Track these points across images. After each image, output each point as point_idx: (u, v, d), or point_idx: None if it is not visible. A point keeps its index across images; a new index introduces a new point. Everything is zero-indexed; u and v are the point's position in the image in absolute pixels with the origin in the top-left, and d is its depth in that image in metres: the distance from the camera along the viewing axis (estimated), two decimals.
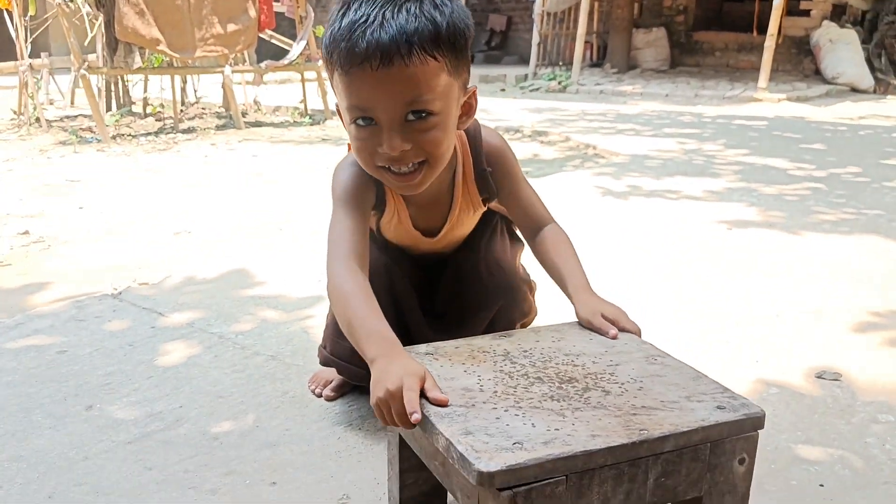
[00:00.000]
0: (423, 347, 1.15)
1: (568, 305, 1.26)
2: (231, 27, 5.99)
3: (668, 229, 2.96)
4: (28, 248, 2.72)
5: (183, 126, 6.07)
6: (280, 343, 1.86)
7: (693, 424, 0.93)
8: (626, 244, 2.74)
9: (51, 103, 7.04)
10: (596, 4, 10.99)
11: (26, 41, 5.74)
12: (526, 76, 10.93)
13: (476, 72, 10.03)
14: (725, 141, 5.51)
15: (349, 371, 1.48)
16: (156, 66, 6.12)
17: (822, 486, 1.29)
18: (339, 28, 1.08)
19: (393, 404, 0.97)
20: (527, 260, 1.53)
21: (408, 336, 1.40)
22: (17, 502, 1.24)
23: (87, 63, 5.48)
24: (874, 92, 9.48)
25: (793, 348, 1.85)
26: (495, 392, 1.01)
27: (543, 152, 5.14)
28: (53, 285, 2.31)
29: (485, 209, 1.42)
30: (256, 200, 3.56)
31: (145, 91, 6.68)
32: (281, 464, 1.35)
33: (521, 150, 5.17)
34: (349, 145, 1.30)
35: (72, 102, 6.88)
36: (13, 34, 5.79)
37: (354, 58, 1.06)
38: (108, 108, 6.46)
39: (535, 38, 11.10)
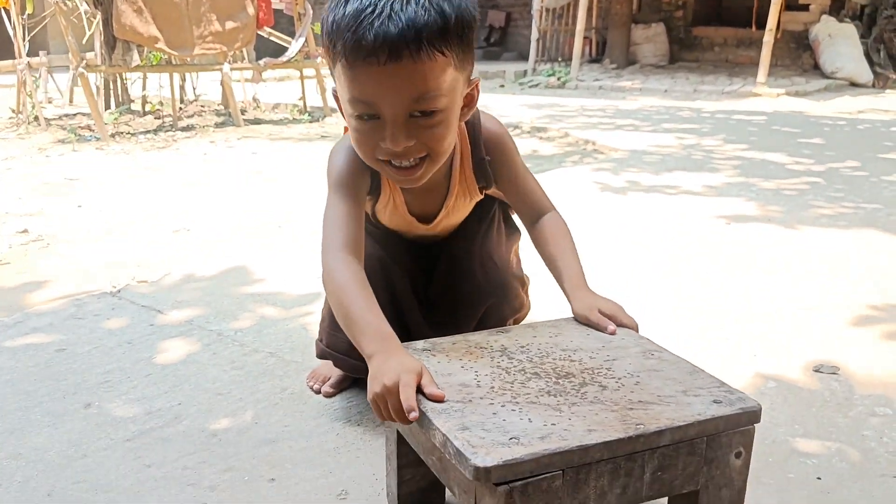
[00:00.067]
0: (420, 343, 1.15)
1: (563, 298, 1.26)
2: (229, 24, 5.99)
3: (666, 224, 2.96)
4: (27, 247, 2.72)
5: (182, 124, 6.06)
6: (279, 340, 1.86)
7: (689, 419, 0.94)
8: (625, 240, 2.74)
9: (49, 102, 7.04)
10: (595, 0, 10.97)
11: (24, 39, 5.73)
12: (525, 72, 10.93)
13: (475, 68, 10.02)
14: (724, 136, 5.51)
15: (346, 364, 1.48)
16: (154, 63, 6.12)
17: (819, 479, 1.29)
18: (344, 16, 1.03)
19: (390, 400, 0.97)
20: (524, 248, 1.52)
21: (407, 335, 1.39)
22: (16, 500, 1.24)
23: (85, 61, 5.48)
24: (873, 86, 9.48)
25: (791, 343, 1.85)
26: (492, 388, 1.01)
27: (542, 148, 5.14)
28: (52, 283, 2.31)
29: (482, 197, 1.41)
30: (256, 198, 3.56)
31: (144, 89, 6.67)
32: (280, 460, 1.35)
33: (521, 146, 5.10)
34: (346, 127, 1.27)
35: (70, 101, 6.88)
36: (11, 32, 5.77)
37: (360, 51, 1.02)
38: (107, 107, 6.46)
39: (534, 34, 11.10)
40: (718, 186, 3.70)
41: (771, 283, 2.27)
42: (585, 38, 10.68)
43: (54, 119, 6.20)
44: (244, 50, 6.45)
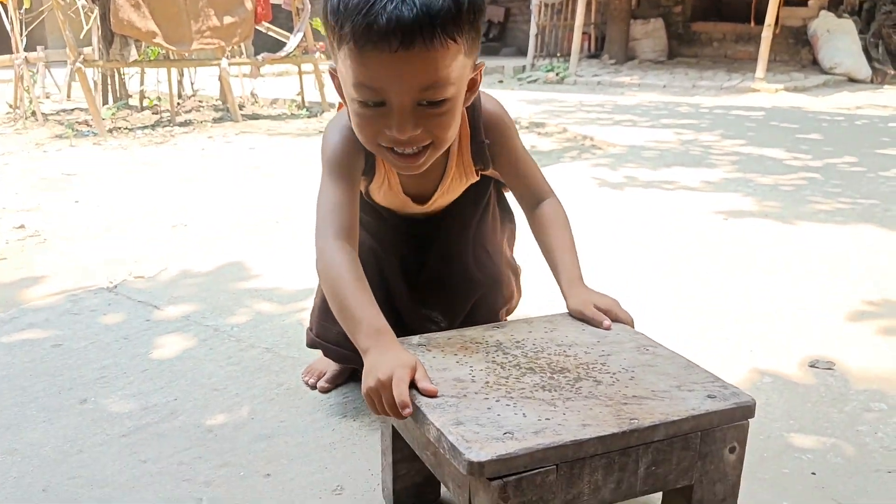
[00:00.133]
0: (415, 339, 1.15)
1: (556, 289, 1.26)
2: (228, 19, 5.97)
3: (664, 220, 2.96)
4: (24, 242, 2.72)
5: (180, 119, 6.05)
6: (275, 335, 1.86)
7: (683, 413, 0.94)
8: (623, 236, 2.74)
9: (47, 97, 7.02)
10: None
11: (21, 34, 5.72)
12: (524, 67, 10.92)
13: None
14: (722, 131, 5.51)
15: (336, 353, 1.47)
16: (152, 58, 6.11)
17: (814, 473, 1.29)
18: None
19: (384, 394, 0.97)
20: (520, 234, 1.51)
21: (399, 322, 1.39)
22: (11, 495, 1.24)
23: (82, 56, 5.47)
24: (871, 82, 9.48)
25: (787, 338, 1.85)
26: (487, 382, 1.01)
27: (541, 143, 5.13)
28: (48, 279, 2.31)
29: (478, 179, 1.39)
30: (253, 194, 3.55)
31: (142, 84, 6.66)
32: (275, 455, 1.35)
33: None
34: (340, 104, 1.23)
35: (68, 96, 6.86)
36: (8, 27, 5.76)
37: (371, 35, 0.97)
38: (105, 102, 6.45)
39: (533, 30, 11.09)
40: (716, 182, 3.70)
41: (769, 281, 2.27)
42: (584, 33, 10.68)
43: (52, 114, 6.18)
44: (242, 45, 6.44)
